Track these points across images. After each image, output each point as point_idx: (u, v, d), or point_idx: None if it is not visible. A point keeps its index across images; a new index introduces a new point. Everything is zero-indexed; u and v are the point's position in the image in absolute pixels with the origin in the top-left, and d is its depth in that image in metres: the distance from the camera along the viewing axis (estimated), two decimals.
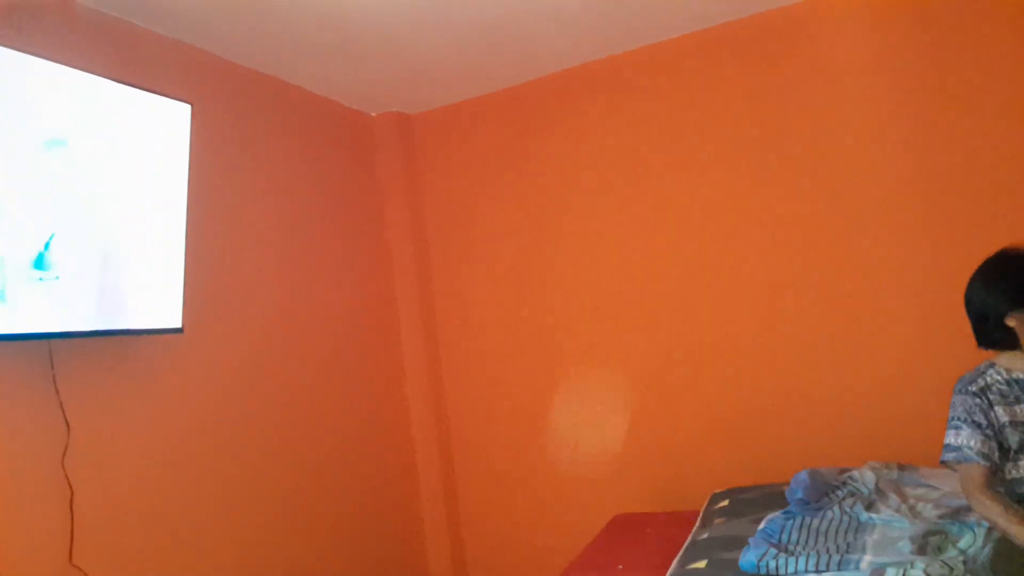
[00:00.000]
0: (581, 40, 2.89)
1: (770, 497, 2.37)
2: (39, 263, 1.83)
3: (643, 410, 2.99)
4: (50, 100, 1.85)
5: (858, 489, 2.21)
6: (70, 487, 1.95)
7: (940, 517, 1.94)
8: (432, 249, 3.50)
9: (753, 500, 2.41)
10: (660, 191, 2.98)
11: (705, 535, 2.22)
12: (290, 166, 2.95)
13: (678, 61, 2.94)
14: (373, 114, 3.50)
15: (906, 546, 1.75)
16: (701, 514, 2.46)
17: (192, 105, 2.23)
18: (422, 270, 3.46)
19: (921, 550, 1.73)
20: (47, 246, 1.85)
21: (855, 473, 2.30)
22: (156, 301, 2.13)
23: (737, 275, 2.84)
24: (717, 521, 2.31)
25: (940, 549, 1.77)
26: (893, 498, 2.11)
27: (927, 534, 1.82)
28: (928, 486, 2.19)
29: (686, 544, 2.20)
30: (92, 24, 2.25)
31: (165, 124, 2.14)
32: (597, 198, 3.11)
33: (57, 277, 1.86)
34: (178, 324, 2.20)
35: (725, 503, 2.46)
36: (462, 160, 3.43)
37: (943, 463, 1.74)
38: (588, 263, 3.12)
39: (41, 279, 1.83)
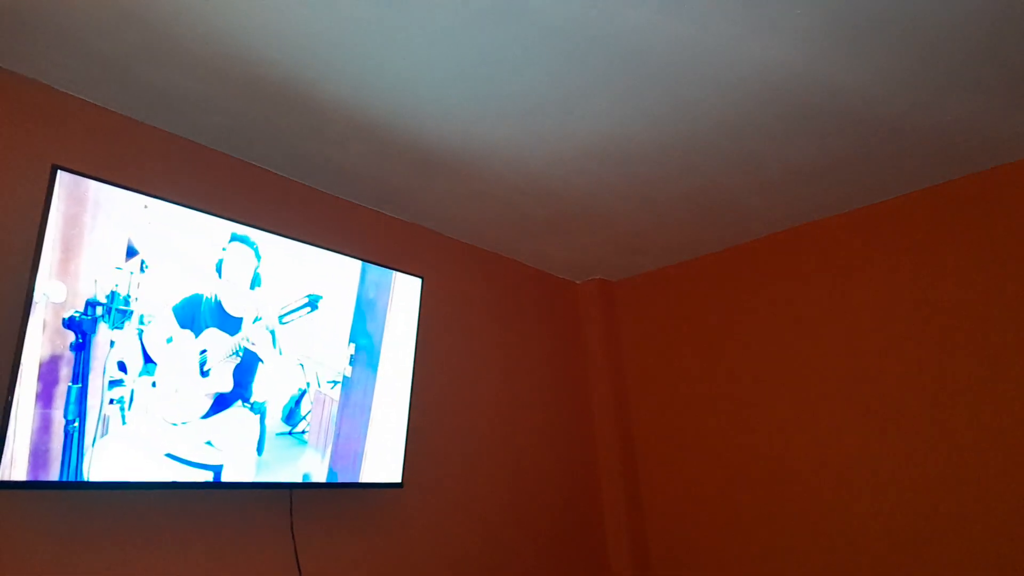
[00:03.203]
0: (784, 206, 2.90)
1: None
2: (289, 417, 2.07)
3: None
4: (307, 273, 2.16)
5: None
6: None
7: None
8: (632, 406, 3.50)
9: None
10: (868, 357, 2.79)
11: None
12: (502, 330, 3.15)
13: (883, 225, 2.85)
14: (578, 282, 3.69)
15: None
16: None
17: (423, 278, 2.49)
18: (623, 427, 3.45)
19: None
20: (298, 402, 2.09)
21: None
22: (381, 458, 2.30)
23: (972, 457, 2.53)
24: None
25: None
26: None
27: None
28: None
29: None
30: (340, 210, 2.64)
31: (400, 294, 2.40)
32: (798, 361, 2.98)
33: (304, 431, 2.09)
34: (398, 479, 2.34)
35: None
36: (662, 322, 3.48)
37: None
38: (792, 427, 2.94)
39: (291, 432, 2.06)
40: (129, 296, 1.73)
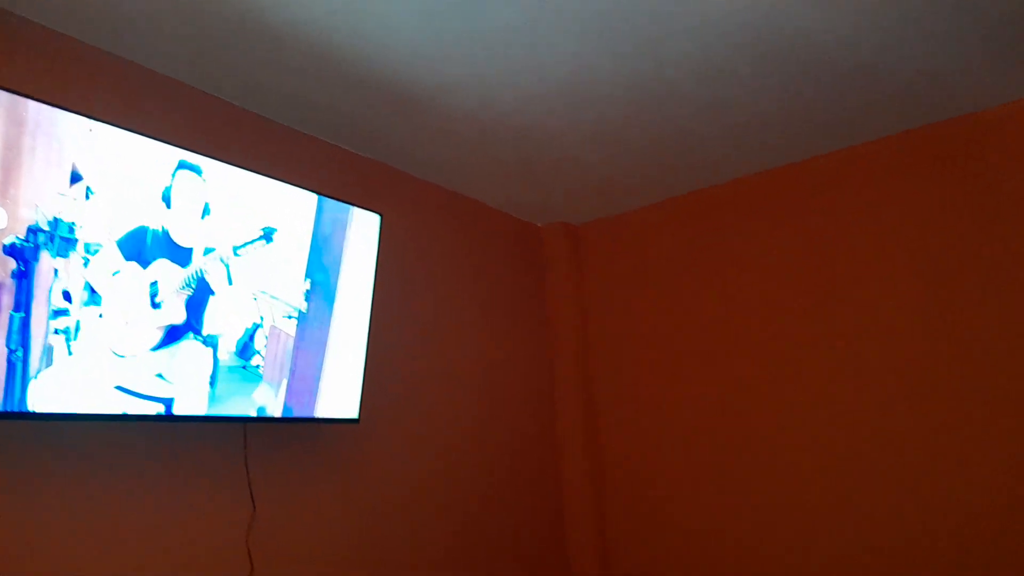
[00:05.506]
0: (751, 151, 2.90)
1: None
2: (243, 351, 2.04)
3: (825, 554, 2.74)
4: (260, 205, 2.11)
5: None
6: (251, 564, 2.09)
7: None
8: (594, 347, 3.53)
9: None
10: (833, 302, 2.82)
11: None
12: (463, 270, 3.14)
13: (850, 171, 2.86)
14: (540, 224, 3.67)
15: None
16: None
17: (382, 215, 2.45)
18: (584, 370, 3.50)
19: None
20: (252, 336, 2.06)
21: None
22: (338, 393, 2.29)
23: (937, 401, 2.58)
24: None
25: None
26: None
27: None
28: None
29: None
30: (297, 142, 2.57)
31: (357, 230, 2.37)
32: (764, 308, 3.00)
33: (259, 365, 2.07)
34: (355, 415, 2.34)
35: None
36: (627, 266, 3.48)
37: None
38: (758, 374, 2.98)
39: (245, 367, 2.04)
40: (73, 224, 1.67)
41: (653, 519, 3.18)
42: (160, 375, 1.84)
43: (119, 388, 1.76)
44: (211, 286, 1.96)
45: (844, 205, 2.87)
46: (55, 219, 1.64)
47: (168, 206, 1.87)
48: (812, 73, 2.31)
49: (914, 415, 2.59)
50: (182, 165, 1.91)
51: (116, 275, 1.76)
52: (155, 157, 1.85)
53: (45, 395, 1.62)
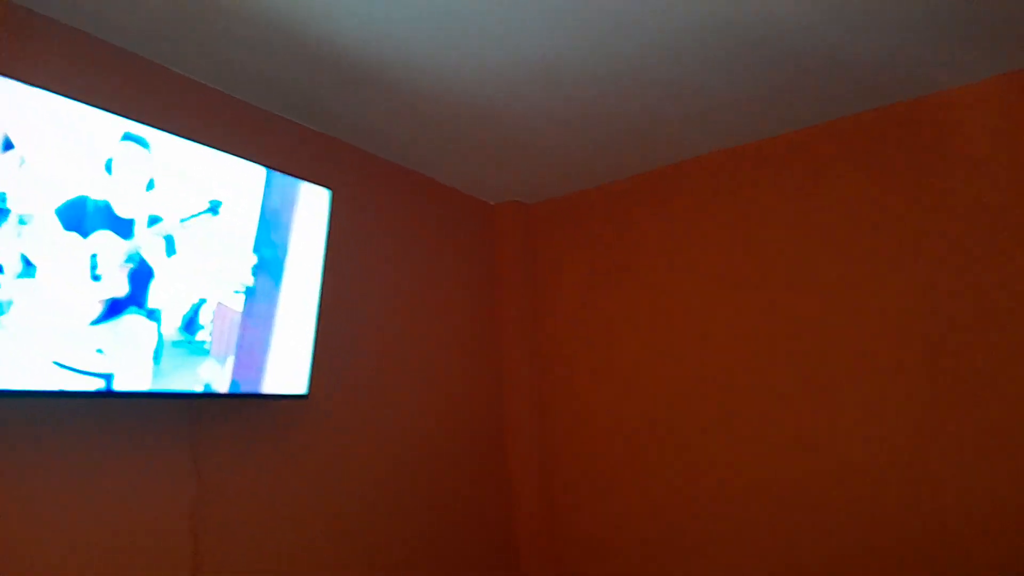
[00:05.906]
0: (705, 132, 2.92)
1: None
2: (188, 326, 2.01)
3: (769, 532, 2.77)
4: (207, 178, 2.06)
5: None
6: (195, 543, 2.06)
7: None
8: (545, 330, 3.54)
9: None
10: (783, 284, 2.86)
11: None
12: (415, 248, 3.12)
13: (803, 153, 2.90)
14: (492, 203, 3.67)
15: None
16: None
17: (332, 190, 2.42)
18: (534, 349, 3.52)
19: None
20: (197, 310, 2.03)
21: None
22: (286, 368, 2.27)
23: (885, 385, 2.62)
24: None
25: None
26: None
27: None
28: None
29: None
30: (247, 115, 2.52)
31: (307, 205, 2.33)
32: (715, 289, 3.03)
33: (204, 341, 2.03)
34: (304, 391, 2.32)
35: None
36: (578, 246, 3.49)
37: None
38: (707, 357, 3.00)
39: (189, 342, 2.01)
40: (5, 194, 1.61)
41: (601, 496, 3.21)
42: (100, 350, 1.80)
43: (57, 364, 1.72)
44: (155, 259, 1.92)
45: (800, 183, 2.89)
46: None
47: (111, 176, 1.82)
48: (778, 57, 2.33)
49: (867, 405, 2.62)
50: (127, 136, 1.86)
51: (54, 246, 1.71)
52: (97, 127, 1.80)
53: None
